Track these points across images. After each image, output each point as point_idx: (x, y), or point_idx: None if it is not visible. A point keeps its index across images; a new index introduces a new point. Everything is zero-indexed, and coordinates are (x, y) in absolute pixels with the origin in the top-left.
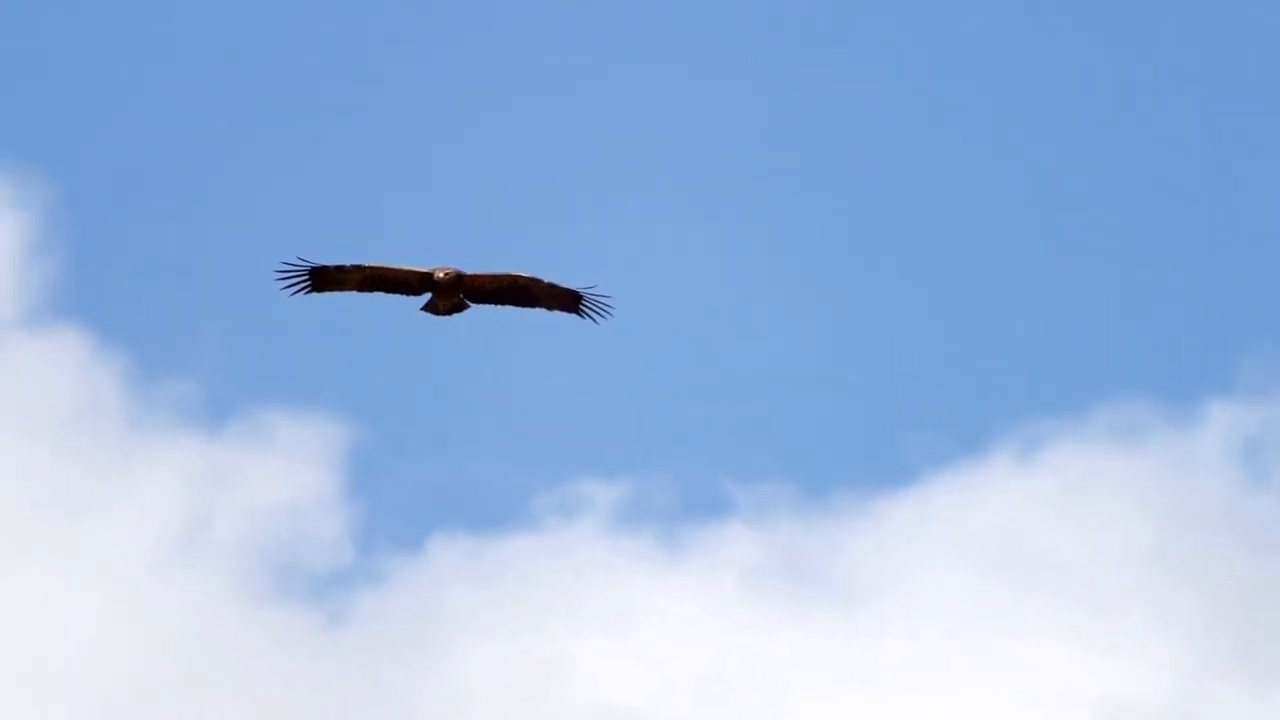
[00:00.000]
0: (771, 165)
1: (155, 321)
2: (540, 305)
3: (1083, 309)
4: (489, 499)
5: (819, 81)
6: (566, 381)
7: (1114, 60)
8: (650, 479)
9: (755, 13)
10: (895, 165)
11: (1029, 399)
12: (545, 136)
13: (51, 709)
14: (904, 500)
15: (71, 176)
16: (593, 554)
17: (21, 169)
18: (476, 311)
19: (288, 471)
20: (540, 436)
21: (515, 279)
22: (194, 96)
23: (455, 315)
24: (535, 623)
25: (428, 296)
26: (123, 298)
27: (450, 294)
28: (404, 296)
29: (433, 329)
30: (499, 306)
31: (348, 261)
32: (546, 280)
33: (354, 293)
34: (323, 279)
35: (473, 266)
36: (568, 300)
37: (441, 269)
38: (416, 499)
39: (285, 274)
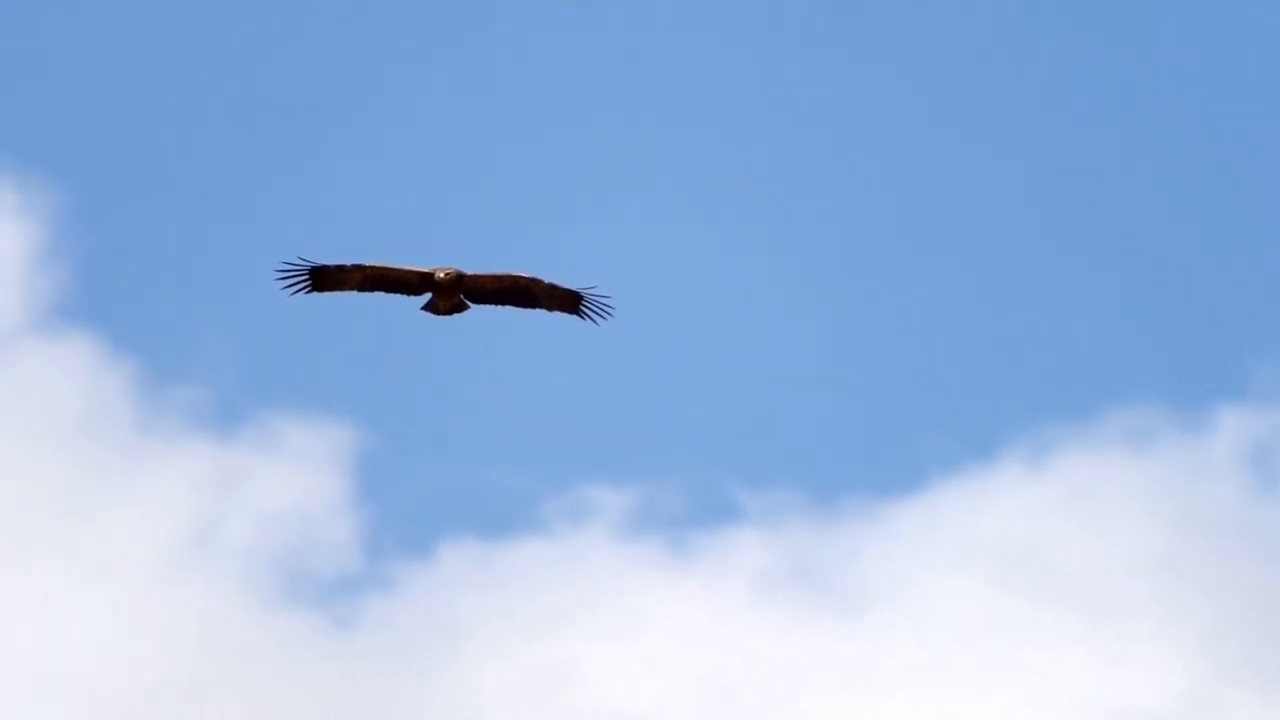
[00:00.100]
0: (771, 165)
1: (164, 327)
2: (540, 306)
3: (1093, 314)
4: (498, 505)
5: (819, 81)
6: (572, 385)
7: (1114, 60)
8: (659, 485)
9: (755, 13)
10: (895, 165)
11: (1039, 405)
12: (545, 136)
13: (60, 713)
14: (913, 506)
15: (79, 182)
16: (602, 560)
17: (30, 175)
18: (481, 313)
19: (297, 477)
20: (548, 442)
21: (515, 279)
22: (194, 97)
23: (456, 315)
24: (544, 628)
25: (428, 296)
26: (132, 303)
27: (450, 294)
28: (406, 299)
29: (440, 333)
30: (499, 307)
31: (348, 261)
32: (547, 281)
33: (355, 293)
34: (323, 279)
35: (473, 267)
36: (568, 301)
37: (442, 269)
38: (425, 504)
39: (285, 274)
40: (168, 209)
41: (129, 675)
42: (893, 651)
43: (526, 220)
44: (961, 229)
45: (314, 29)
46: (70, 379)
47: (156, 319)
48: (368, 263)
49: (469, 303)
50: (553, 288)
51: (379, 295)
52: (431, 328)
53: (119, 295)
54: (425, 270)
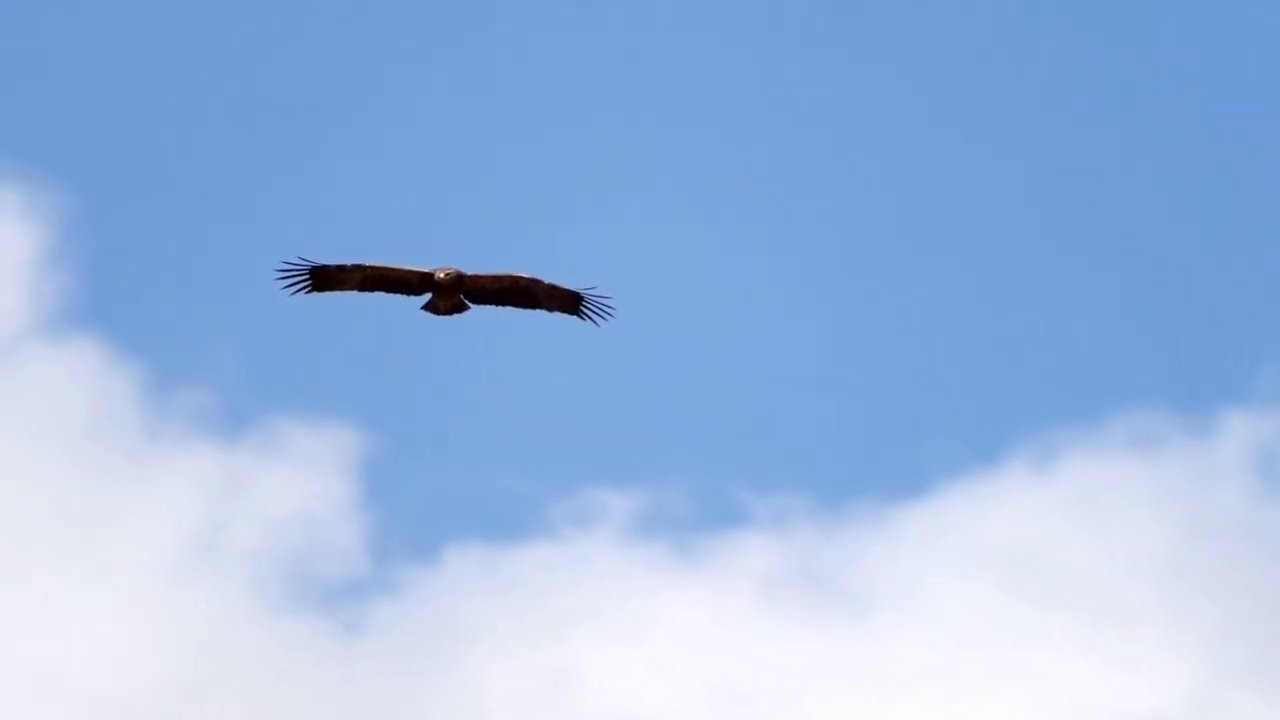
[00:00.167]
0: (771, 165)
1: (171, 331)
2: (540, 306)
3: (1098, 318)
4: (504, 509)
5: (819, 81)
6: (577, 387)
7: (1114, 60)
8: (665, 488)
9: (755, 13)
10: (895, 165)
11: (1045, 408)
12: (545, 136)
13: (65, 717)
14: (919, 510)
15: (86, 186)
16: (608, 563)
17: (36, 178)
18: (485, 314)
19: (303, 481)
20: (553, 445)
21: (515, 280)
22: (196, 98)
23: (456, 316)
24: (550, 632)
25: (428, 296)
26: (138, 307)
27: (451, 294)
28: (409, 301)
29: (446, 335)
30: (499, 308)
31: (348, 261)
32: (547, 281)
33: (361, 297)
34: (323, 279)
35: (473, 267)
36: (568, 302)
37: (442, 269)
38: (431, 508)
39: (285, 274)
40: (172, 211)
41: (135, 679)
42: (899, 655)
43: (526, 220)
44: (966, 231)
45: (314, 29)
46: (76, 383)
47: (163, 323)
48: (368, 263)
49: (469, 303)
50: (553, 288)
51: (384, 299)
52: (437, 330)
53: (126, 300)
54: (425, 270)
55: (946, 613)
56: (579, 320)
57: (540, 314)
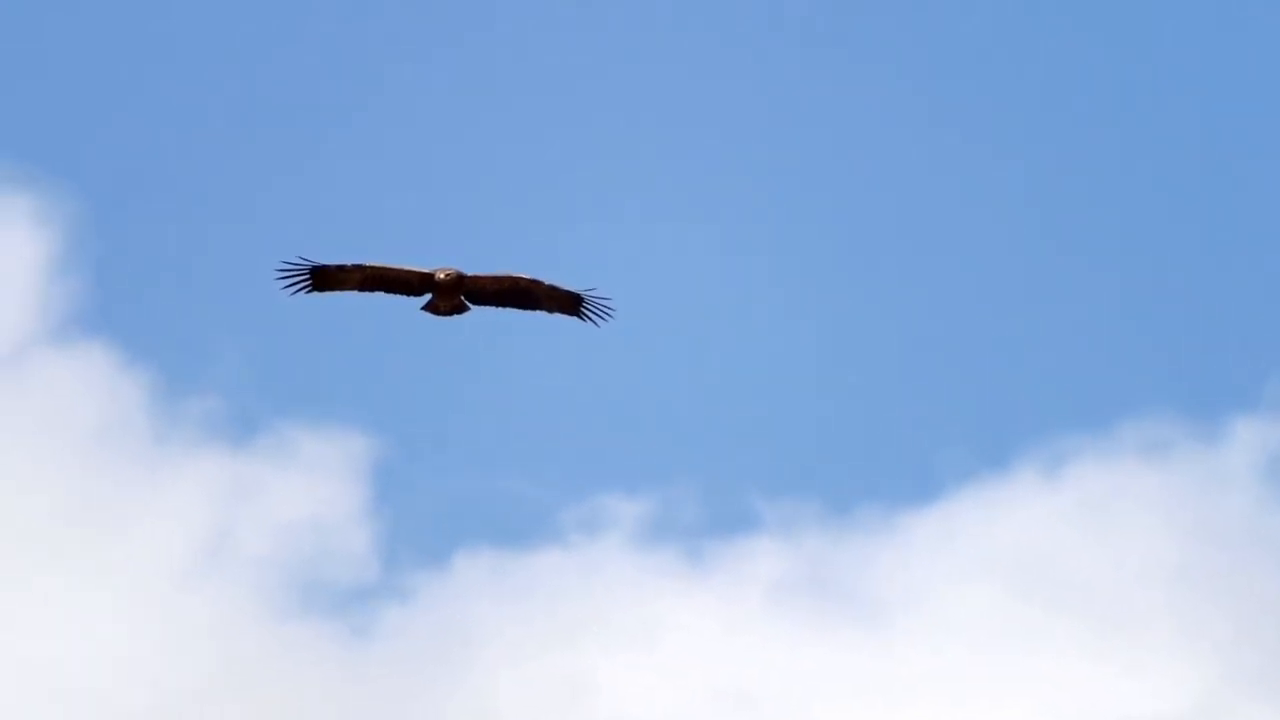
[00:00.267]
0: (771, 165)
1: (180, 336)
2: (541, 307)
3: (1108, 325)
4: (513, 514)
5: (819, 81)
6: (584, 392)
7: (1114, 60)
8: (675, 494)
9: (755, 13)
10: (895, 165)
11: (1054, 415)
12: (545, 136)
13: None
14: (929, 516)
15: (92, 190)
16: (618, 569)
17: (46, 184)
18: (488, 315)
19: (312, 486)
20: (564, 451)
21: (516, 280)
22: (196, 99)
23: (456, 316)
24: (560, 638)
25: (428, 297)
26: (148, 313)
27: (451, 295)
28: (407, 301)
29: (456, 339)
30: (500, 308)
31: (348, 261)
32: (547, 282)
33: (364, 299)
34: (323, 278)
35: (473, 267)
36: (568, 303)
37: (442, 270)
38: (441, 514)
39: (285, 273)
40: (179, 213)
41: (144, 684)
42: (908, 661)
43: (526, 220)
44: (973, 234)
45: (314, 29)
46: (86, 389)
47: (172, 328)
48: (368, 263)
49: (469, 304)
50: (553, 289)
51: (384, 302)
52: (440, 332)
53: (135, 306)
54: (426, 271)
55: (956, 618)
56: (580, 321)
57: (540, 315)
